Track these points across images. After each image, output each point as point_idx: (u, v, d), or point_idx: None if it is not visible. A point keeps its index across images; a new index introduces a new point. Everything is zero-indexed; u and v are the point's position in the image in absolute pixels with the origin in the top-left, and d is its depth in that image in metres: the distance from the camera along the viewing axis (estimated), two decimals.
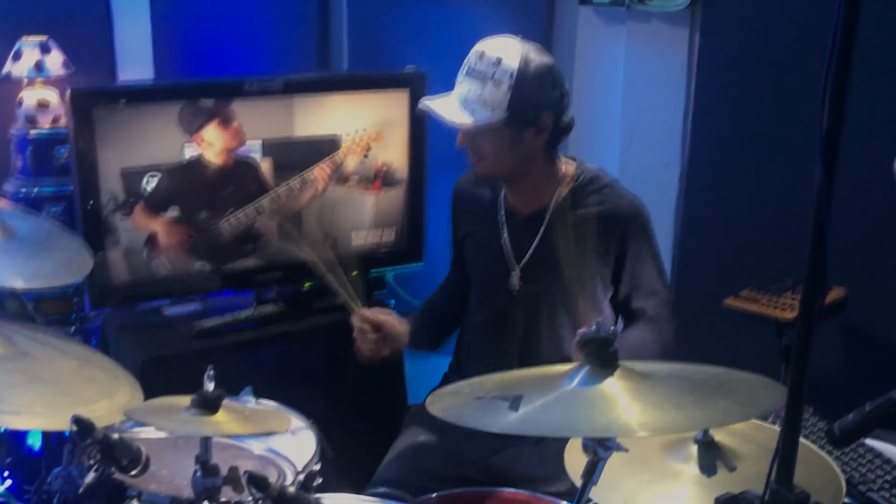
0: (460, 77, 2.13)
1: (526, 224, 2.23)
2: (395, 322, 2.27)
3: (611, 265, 2.19)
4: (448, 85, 2.16)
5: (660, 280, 2.23)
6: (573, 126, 2.19)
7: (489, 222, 2.27)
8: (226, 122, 2.69)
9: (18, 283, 1.95)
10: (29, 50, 3.19)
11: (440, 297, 2.51)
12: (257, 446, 1.86)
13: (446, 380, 2.34)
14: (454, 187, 2.40)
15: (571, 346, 1.46)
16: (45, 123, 3.22)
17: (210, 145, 2.69)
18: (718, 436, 1.56)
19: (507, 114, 2.07)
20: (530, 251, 2.21)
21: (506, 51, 2.08)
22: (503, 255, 2.24)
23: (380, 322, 2.24)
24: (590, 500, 1.44)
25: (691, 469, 1.53)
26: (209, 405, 1.53)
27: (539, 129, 2.12)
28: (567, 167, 2.23)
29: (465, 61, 2.13)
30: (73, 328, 3.19)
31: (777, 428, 1.19)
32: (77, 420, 1.47)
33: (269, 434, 1.82)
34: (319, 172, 2.84)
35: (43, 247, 2.02)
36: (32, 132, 3.20)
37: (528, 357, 2.21)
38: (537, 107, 2.10)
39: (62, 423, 1.49)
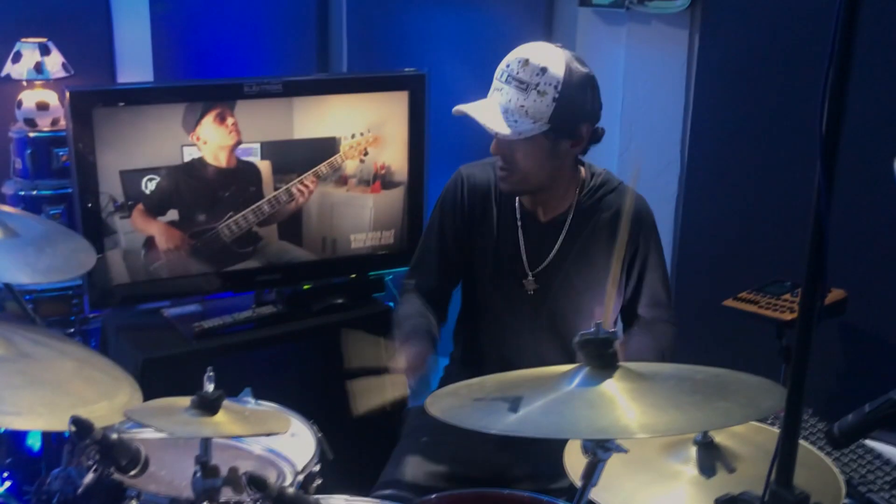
0: (498, 83, 2.04)
1: (545, 229, 2.21)
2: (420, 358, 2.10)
3: (629, 262, 2.19)
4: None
5: (663, 290, 2.24)
6: (604, 135, 2.15)
7: (503, 225, 2.24)
8: (221, 118, 2.69)
9: (23, 278, 1.96)
10: (28, 51, 3.19)
11: (425, 288, 2.34)
12: (257, 447, 1.86)
13: (447, 381, 2.33)
14: (461, 175, 2.29)
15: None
16: (44, 125, 3.21)
17: (205, 143, 2.68)
18: (718, 437, 1.57)
19: (549, 126, 2.01)
20: (550, 256, 2.20)
21: (550, 60, 2.01)
22: (520, 261, 2.22)
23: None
24: (590, 500, 1.44)
25: (691, 470, 1.53)
26: (209, 406, 1.53)
27: (576, 141, 2.09)
28: (581, 171, 2.23)
29: (504, 66, 2.04)
30: (72, 329, 3.19)
31: (776, 429, 1.18)
32: (76, 421, 1.47)
33: (268, 435, 1.81)
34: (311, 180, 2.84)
35: (46, 243, 2.03)
36: (32, 134, 3.20)
37: (544, 359, 2.20)
38: (577, 119, 2.06)
39: (62, 424, 1.49)
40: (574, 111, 2.04)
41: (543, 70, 2.00)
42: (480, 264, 2.29)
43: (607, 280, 2.18)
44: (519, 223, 2.22)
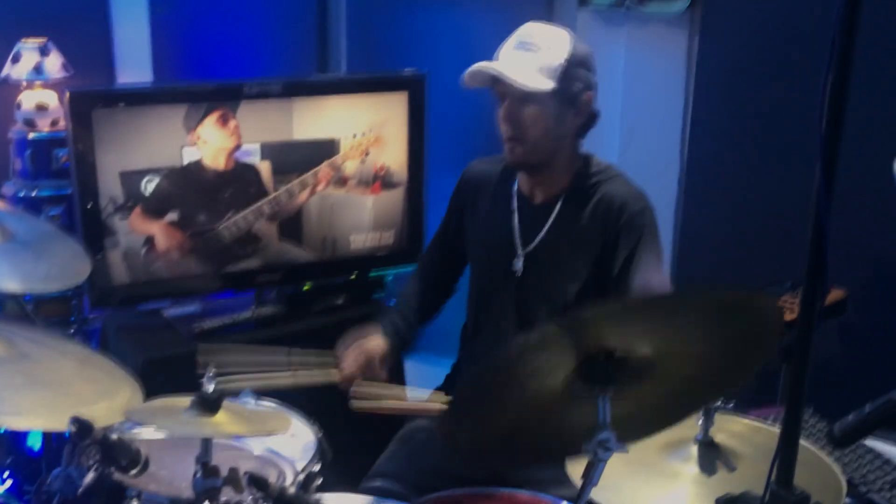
0: (508, 51, 2.09)
1: (538, 210, 2.21)
2: (373, 350, 2.28)
3: (610, 254, 2.16)
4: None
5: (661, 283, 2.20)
6: (598, 118, 2.19)
7: (500, 205, 2.25)
8: (224, 120, 2.69)
9: (16, 286, 1.95)
10: (28, 52, 3.19)
11: (419, 279, 2.48)
12: (257, 447, 1.86)
13: (454, 371, 2.37)
14: (466, 170, 2.37)
15: None
16: (44, 126, 3.22)
17: (205, 143, 2.68)
18: (719, 437, 1.57)
19: (560, 85, 2.07)
20: (539, 237, 2.20)
21: (557, 29, 2.12)
22: (510, 239, 2.22)
23: (364, 362, 2.26)
24: (590, 500, 1.44)
25: (691, 470, 1.53)
26: (209, 406, 1.53)
27: (578, 112, 2.12)
28: (580, 157, 2.23)
29: (512, 39, 2.10)
30: (72, 330, 3.19)
31: (777, 429, 1.19)
32: (76, 420, 1.47)
33: (268, 435, 1.82)
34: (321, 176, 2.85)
35: (42, 250, 2.03)
36: (31, 134, 3.20)
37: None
38: (582, 86, 2.11)
39: (62, 424, 1.48)
40: (579, 77, 2.10)
41: (553, 34, 2.09)
42: (473, 242, 2.32)
43: (589, 267, 2.17)
44: (515, 207, 2.24)
